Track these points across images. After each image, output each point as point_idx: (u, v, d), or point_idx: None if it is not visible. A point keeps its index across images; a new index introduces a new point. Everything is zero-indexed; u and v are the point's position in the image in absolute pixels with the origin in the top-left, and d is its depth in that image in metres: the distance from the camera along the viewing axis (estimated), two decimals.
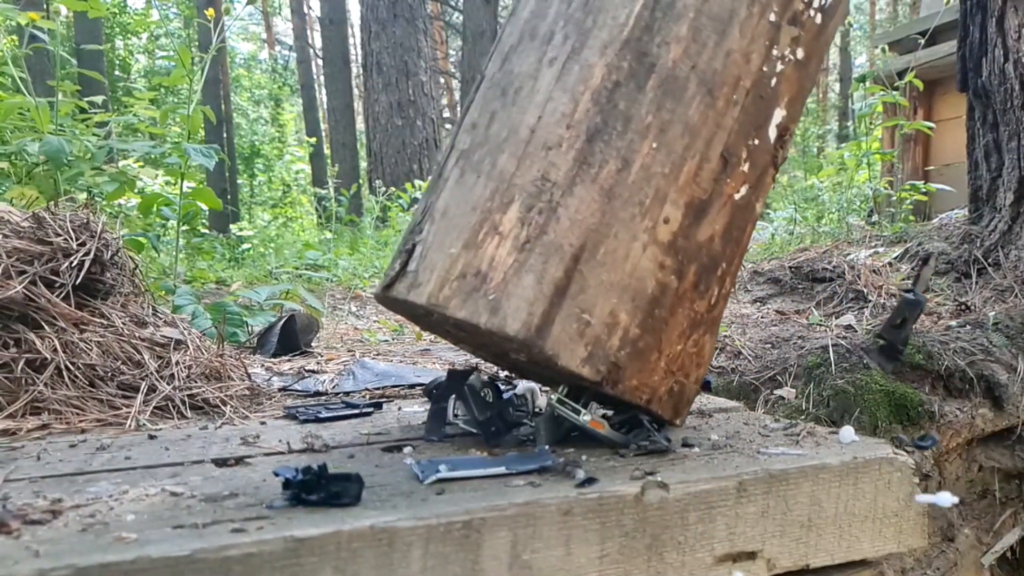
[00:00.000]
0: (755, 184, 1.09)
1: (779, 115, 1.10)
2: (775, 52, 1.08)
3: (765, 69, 1.08)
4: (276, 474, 0.87)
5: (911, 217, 4.14)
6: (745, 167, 1.07)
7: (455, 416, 1.28)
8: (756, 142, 1.08)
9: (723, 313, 1.15)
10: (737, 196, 1.07)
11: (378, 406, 1.47)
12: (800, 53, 1.11)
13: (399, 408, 1.48)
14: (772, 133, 1.10)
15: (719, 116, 1.05)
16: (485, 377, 1.31)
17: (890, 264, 2.90)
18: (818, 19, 1.12)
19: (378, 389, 1.73)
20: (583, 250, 0.99)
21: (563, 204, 1.00)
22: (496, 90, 1.11)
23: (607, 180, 1.00)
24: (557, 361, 0.98)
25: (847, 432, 1.17)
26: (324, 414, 1.37)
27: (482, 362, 2.07)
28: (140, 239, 2.76)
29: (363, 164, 14.76)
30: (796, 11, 1.10)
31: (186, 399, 1.42)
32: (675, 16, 1.04)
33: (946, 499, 1.05)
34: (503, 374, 1.79)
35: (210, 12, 3.16)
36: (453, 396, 1.27)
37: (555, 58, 1.06)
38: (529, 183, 1.01)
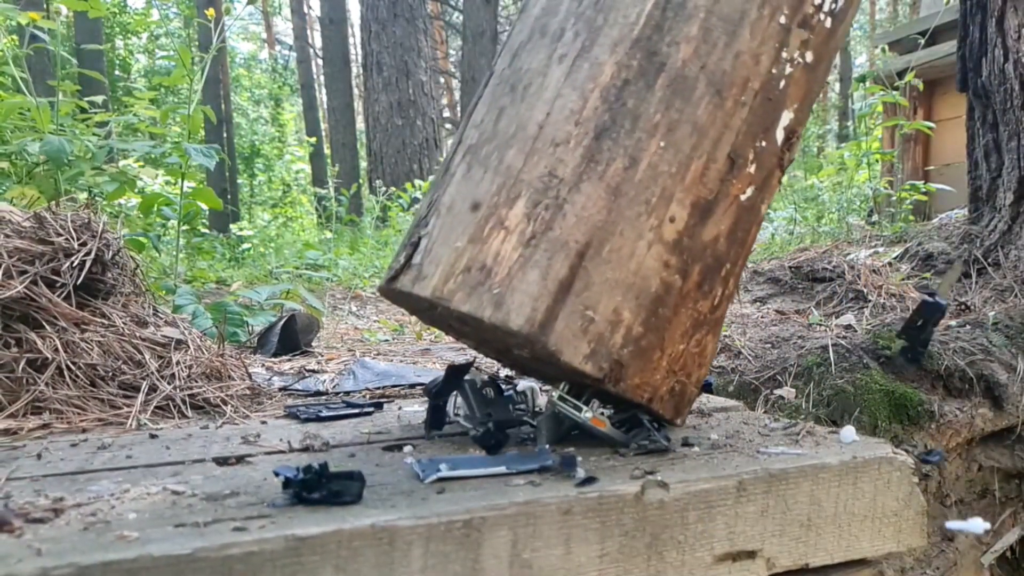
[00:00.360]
0: (761, 186, 1.09)
1: (787, 117, 1.10)
2: (784, 54, 1.08)
3: (774, 71, 1.08)
4: (276, 474, 0.88)
5: (911, 217, 4.15)
6: (752, 168, 1.08)
7: (455, 414, 1.28)
8: (763, 144, 1.08)
9: (726, 314, 1.15)
10: (743, 197, 1.07)
11: (379, 406, 1.47)
12: (809, 56, 1.11)
13: (399, 408, 1.48)
14: (779, 135, 1.10)
15: (727, 117, 1.05)
16: (485, 376, 1.31)
17: (890, 264, 2.91)
18: (828, 23, 1.12)
19: (378, 389, 1.73)
20: (588, 247, 0.99)
21: (570, 201, 1.00)
22: (505, 86, 1.11)
23: (614, 178, 1.01)
24: (560, 357, 0.98)
25: (848, 432, 1.17)
26: (325, 413, 1.37)
27: (481, 359, 2.07)
28: (141, 239, 2.77)
29: (363, 164, 14.77)
30: (806, 14, 1.10)
31: (187, 399, 1.42)
32: (686, 16, 1.05)
33: (978, 526, 1.06)
34: (503, 373, 1.79)
35: (210, 12, 3.16)
36: (454, 393, 1.27)
37: (565, 55, 1.06)
38: (536, 179, 1.01)
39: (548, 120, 1.03)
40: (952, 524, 1.10)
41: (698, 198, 1.04)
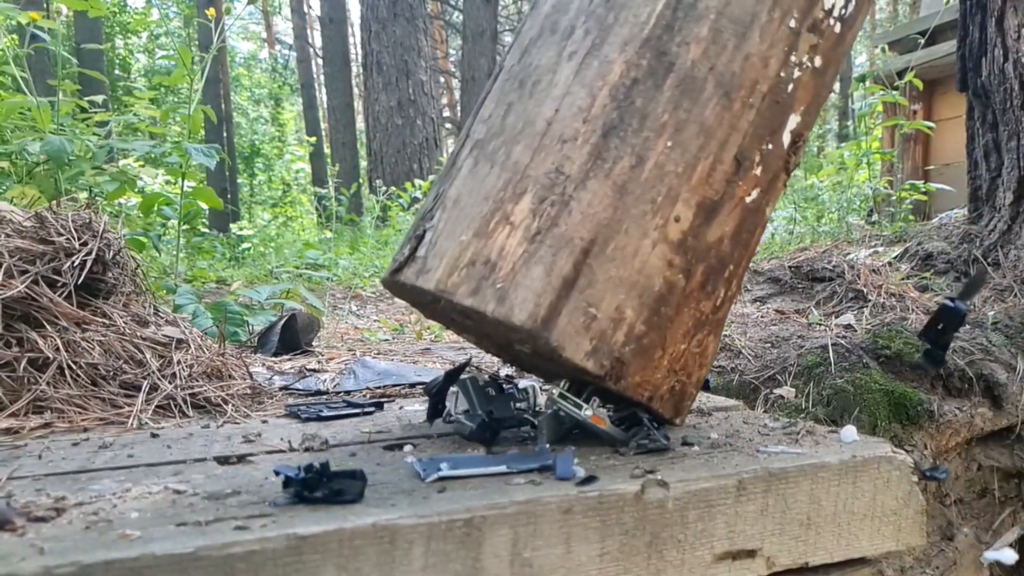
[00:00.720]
0: (766, 188, 1.10)
1: (794, 121, 1.10)
2: (793, 58, 1.09)
3: (782, 74, 1.08)
4: (277, 473, 0.88)
5: (911, 217, 4.15)
6: (758, 171, 1.08)
7: (457, 413, 1.28)
8: (770, 146, 1.09)
9: (728, 315, 1.15)
10: (748, 199, 1.08)
11: (379, 405, 1.47)
12: (818, 61, 1.11)
13: (400, 407, 1.48)
14: (786, 138, 1.10)
15: (734, 118, 1.05)
16: (487, 376, 1.32)
17: (890, 264, 2.91)
18: (837, 28, 1.13)
19: (379, 388, 1.73)
20: (593, 244, 1.00)
21: (576, 197, 1.00)
22: (514, 82, 1.12)
23: (620, 176, 1.01)
24: (562, 353, 0.98)
25: (849, 431, 1.17)
26: (326, 413, 1.38)
27: (482, 357, 2.07)
28: (141, 239, 2.77)
29: (363, 163, 14.77)
30: (816, 19, 1.10)
31: (188, 398, 1.42)
32: (696, 17, 1.05)
33: (1008, 556, 1.10)
34: (504, 372, 1.80)
35: (210, 12, 3.16)
36: (455, 392, 1.27)
37: (575, 52, 1.07)
38: (543, 175, 1.02)
39: (556, 117, 1.04)
40: (988, 554, 1.15)
41: (704, 199, 1.04)
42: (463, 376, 1.28)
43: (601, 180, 1.01)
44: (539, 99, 1.06)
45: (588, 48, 1.06)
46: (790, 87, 1.09)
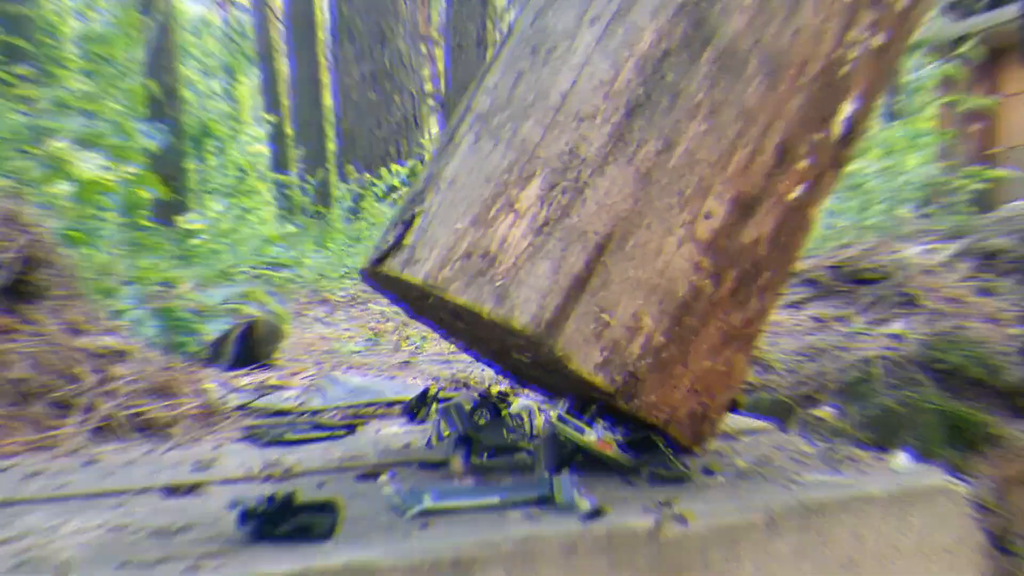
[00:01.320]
0: (812, 185, 1.09)
1: (849, 108, 1.10)
2: (850, 35, 1.08)
3: (837, 53, 1.08)
4: (233, 505, 0.88)
5: (971, 207, 4.16)
6: (803, 164, 1.08)
7: (439, 438, 1.29)
8: (819, 136, 1.08)
9: (762, 330, 1.15)
10: (791, 196, 1.08)
11: (351, 428, 1.48)
12: (879, 39, 1.11)
13: (376, 429, 1.49)
14: (839, 128, 1.10)
15: (780, 102, 1.05)
16: (476, 395, 1.32)
17: (946, 263, 2.92)
18: (903, 1, 1.13)
19: (351, 407, 1.74)
20: (610, 240, 1.00)
21: (592, 184, 1.01)
22: (526, 47, 1.12)
23: (645, 162, 1.01)
24: (568, 363, 0.98)
25: (902, 458, 1.17)
26: (289, 436, 1.38)
27: (471, 367, 2.08)
28: (76, 233, 2.77)
29: (331, 146, 14.74)
30: None
31: (129, 418, 1.43)
32: None
33: None
34: (496, 389, 1.80)
35: None
36: (438, 420, 1.28)
37: (598, 17, 1.07)
38: (555, 157, 1.02)
39: (573, 90, 1.04)
40: None
41: (740, 193, 1.04)
42: (449, 402, 1.29)
43: (622, 166, 1.01)
44: (554, 68, 1.06)
45: (614, 12, 1.06)
46: (845, 68, 1.09)
